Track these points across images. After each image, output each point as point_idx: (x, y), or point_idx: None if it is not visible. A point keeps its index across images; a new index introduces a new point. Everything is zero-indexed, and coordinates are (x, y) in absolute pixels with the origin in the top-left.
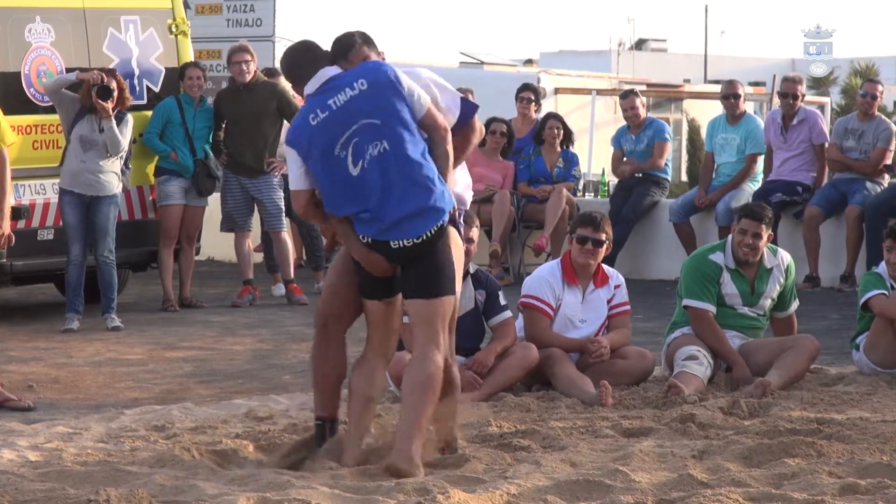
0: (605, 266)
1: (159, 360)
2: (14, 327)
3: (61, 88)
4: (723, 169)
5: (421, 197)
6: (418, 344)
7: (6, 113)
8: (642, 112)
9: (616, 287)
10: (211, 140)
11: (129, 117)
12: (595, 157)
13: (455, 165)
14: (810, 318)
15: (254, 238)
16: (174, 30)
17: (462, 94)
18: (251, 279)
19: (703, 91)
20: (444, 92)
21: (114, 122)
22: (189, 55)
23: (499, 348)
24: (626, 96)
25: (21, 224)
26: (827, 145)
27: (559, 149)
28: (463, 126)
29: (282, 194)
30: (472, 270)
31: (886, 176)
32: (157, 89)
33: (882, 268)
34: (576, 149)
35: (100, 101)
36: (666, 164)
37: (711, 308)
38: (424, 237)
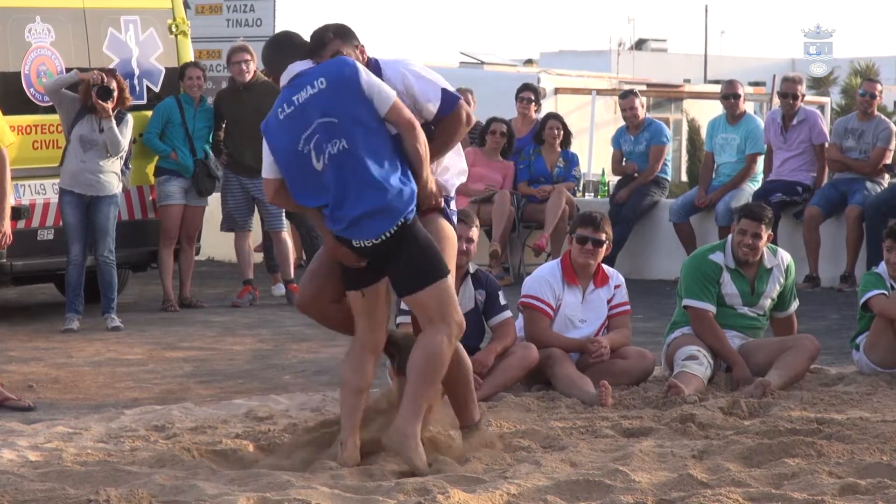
0: (605, 266)
1: (159, 360)
2: (14, 327)
3: (61, 88)
4: (723, 169)
5: (374, 198)
6: (423, 329)
7: (6, 113)
8: (641, 113)
9: (616, 287)
10: (211, 140)
11: (129, 117)
12: (595, 157)
13: (441, 155)
14: (810, 318)
15: (254, 238)
16: (174, 30)
17: (446, 85)
18: (251, 279)
19: (703, 91)
20: (422, 81)
21: (114, 122)
22: (189, 55)
23: (499, 348)
24: (626, 97)
25: (21, 224)
26: (827, 145)
27: (559, 149)
28: (445, 115)
29: None
30: (472, 270)
31: (886, 176)
32: (157, 89)
33: (882, 268)
34: (576, 149)
35: (100, 102)
36: (665, 164)
37: (711, 308)
38: (384, 237)
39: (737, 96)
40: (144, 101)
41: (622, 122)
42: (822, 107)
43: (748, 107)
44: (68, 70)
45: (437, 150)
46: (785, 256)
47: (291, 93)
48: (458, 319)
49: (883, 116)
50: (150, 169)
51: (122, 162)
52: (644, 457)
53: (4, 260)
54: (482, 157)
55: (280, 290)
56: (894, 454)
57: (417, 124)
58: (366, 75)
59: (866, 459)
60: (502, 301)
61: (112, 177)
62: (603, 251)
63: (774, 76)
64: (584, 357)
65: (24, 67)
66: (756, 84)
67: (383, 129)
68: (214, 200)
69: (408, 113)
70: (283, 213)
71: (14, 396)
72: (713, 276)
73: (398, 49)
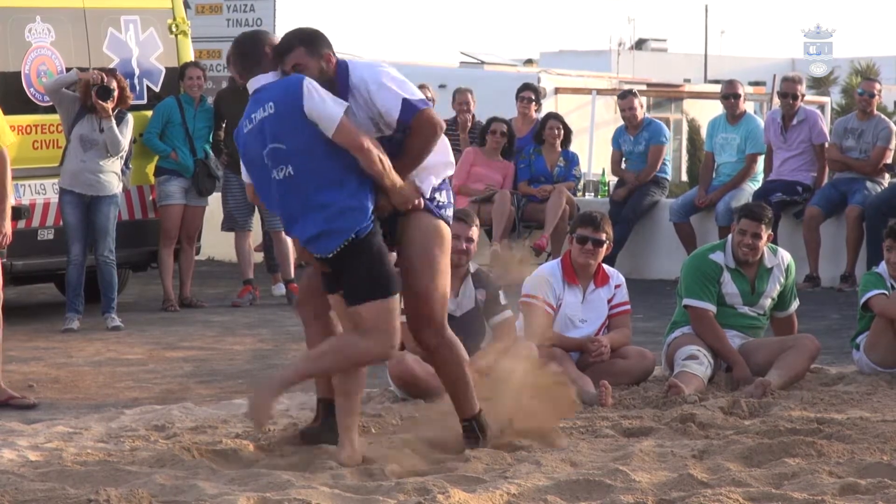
0: (605, 266)
1: (159, 360)
2: (14, 327)
3: (61, 88)
4: (723, 169)
5: (319, 221)
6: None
7: (6, 113)
8: (640, 113)
9: (616, 287)
10: (211, 140)
11: (130, 117)
12: (595, 157)
13: (418, 164)
14: (810, 317)
15: (254, 238)
16: (174, 30)
17: (411, 93)
18: (251, 279)
19: (703, 91)
20: (383, 91)
21: (114, 122)
22: (189, 55)
23: (499, 348)
24: (625, 97)
25: (21, 224)
26: (827, 145)
27: (559, 148)
28: (407, 124)
29: None
30: (472, 270)
31: (886, 175)
32: (157, 89)
33: (882, 267)
34: (576, 148)
35: (99, 101)
36: (665, 164)
37: (712, 307)
38: (336, 252)
39: (737, 96)
40: (144, 101)
41: (622, 122)
42: (822, 107)
43: (748, 107)
44: (68, 70)
45: (412, 160)
46: (785, 256)
47: (253, 108)
48: (388, 342)
49: (883, 116)
50: (151, 169)
51: (123, 162)
52: (644, 456)
53: (4, 260)
54: (482, 156)
55: (280, 289)
56: (894, 454)
57: (366, 143)
58: (309, 99)
59: (866, 459)
60: (503, 301)
61: (112, 177)
62: (603, 251)
63: (774, 76)
64: (585, 357)
65: (25, 67)
66: (756, 84)
67: (331, 150)
68: (215, 200)
69: (354, 134)
70: None
71: (16, 394)
72: (713, 275)
73: (398, 49)
